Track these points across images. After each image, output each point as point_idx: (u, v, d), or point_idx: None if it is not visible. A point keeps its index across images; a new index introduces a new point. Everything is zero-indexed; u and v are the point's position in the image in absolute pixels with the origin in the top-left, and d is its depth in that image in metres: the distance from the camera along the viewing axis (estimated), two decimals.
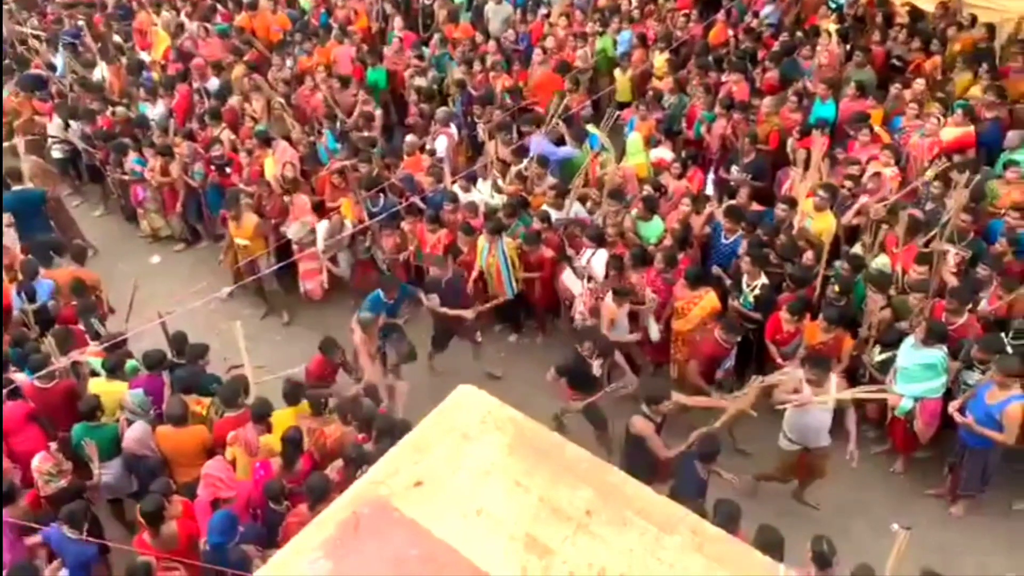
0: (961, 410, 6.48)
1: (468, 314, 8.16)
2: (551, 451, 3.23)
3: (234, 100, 11.22)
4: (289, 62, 12.25)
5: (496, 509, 2.94)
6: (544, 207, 8.69)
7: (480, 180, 9.44)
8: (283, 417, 6.64)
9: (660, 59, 11.26)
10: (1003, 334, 6.64)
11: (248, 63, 12.24)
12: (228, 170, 9.96)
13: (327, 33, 12.90)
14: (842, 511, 6.91)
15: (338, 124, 10.82)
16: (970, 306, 6.91)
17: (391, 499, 2.96)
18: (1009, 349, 6.48)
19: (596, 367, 7.04)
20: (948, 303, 6.82)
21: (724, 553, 2.88)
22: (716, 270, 7.98)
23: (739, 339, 7.18)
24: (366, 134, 10.54)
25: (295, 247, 8.97)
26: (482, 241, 8.38)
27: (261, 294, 9.68)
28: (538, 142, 9.64)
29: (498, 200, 9.08)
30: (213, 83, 11.70)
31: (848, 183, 8.33)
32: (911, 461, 7.27)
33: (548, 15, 13.08)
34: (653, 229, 8.38)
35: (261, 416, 6.47)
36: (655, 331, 7.76)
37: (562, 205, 8.76)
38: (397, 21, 13.04)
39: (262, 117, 10.99)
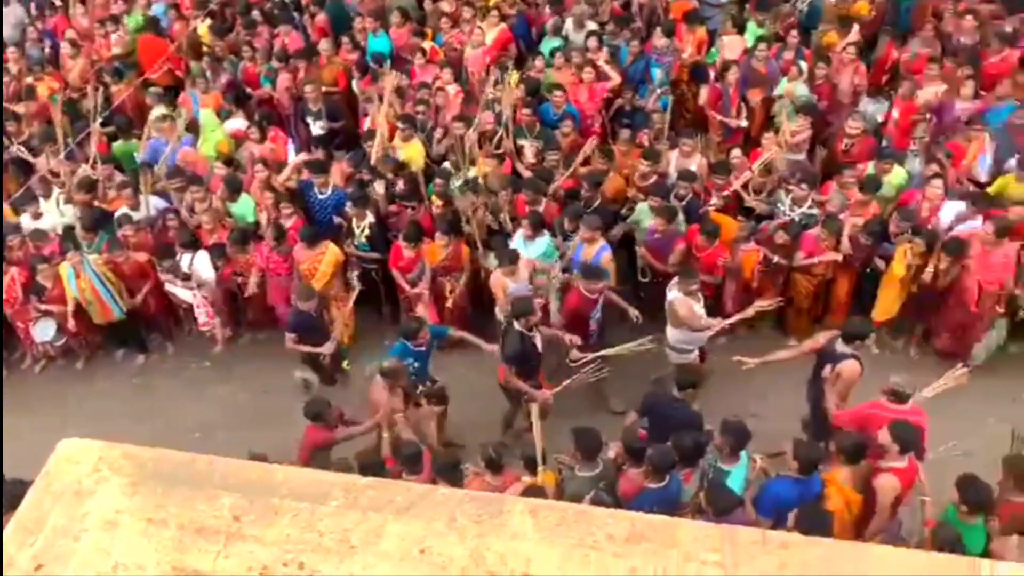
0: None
1: (326, 348, 7.10)
2: (180, 472, 3.00)
3: None
4: None
5: (133, 558, 2.68)
6: (123, 209, 7.95)
7: (41, 200, 8.32)
8: None
9: (203, 27, 10.67)
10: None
11: None
12: None
13: None
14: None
15: None
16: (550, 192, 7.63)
17: None
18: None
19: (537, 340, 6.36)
20: (525, 195, 7.49)
21: (378, 499, 2.91)
22: (337, 219, 7.92)
23: (602, 286, 6.66)
24: None
25: None
26: (64, 268, 7.47)
27: None
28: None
29: (69, 215, 8.12)
30: None
31: (420, 107, 8.67)
32: None
33: (65, 6, 11.71)
34: (244, 207, 8.05)
35: None
36: (555, 310, 7.10)
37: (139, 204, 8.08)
38: None
39: None
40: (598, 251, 7.02)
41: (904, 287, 7.20)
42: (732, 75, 8.79)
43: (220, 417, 7.48)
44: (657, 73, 9.18)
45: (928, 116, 8.35)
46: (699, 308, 6.67)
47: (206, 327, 7.76)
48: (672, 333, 6.78)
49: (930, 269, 6.96)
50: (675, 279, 6.76)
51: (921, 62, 9.02)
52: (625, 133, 8.38)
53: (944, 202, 7.38)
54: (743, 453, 5.43)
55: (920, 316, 7.54)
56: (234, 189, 8.00)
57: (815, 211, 7.53)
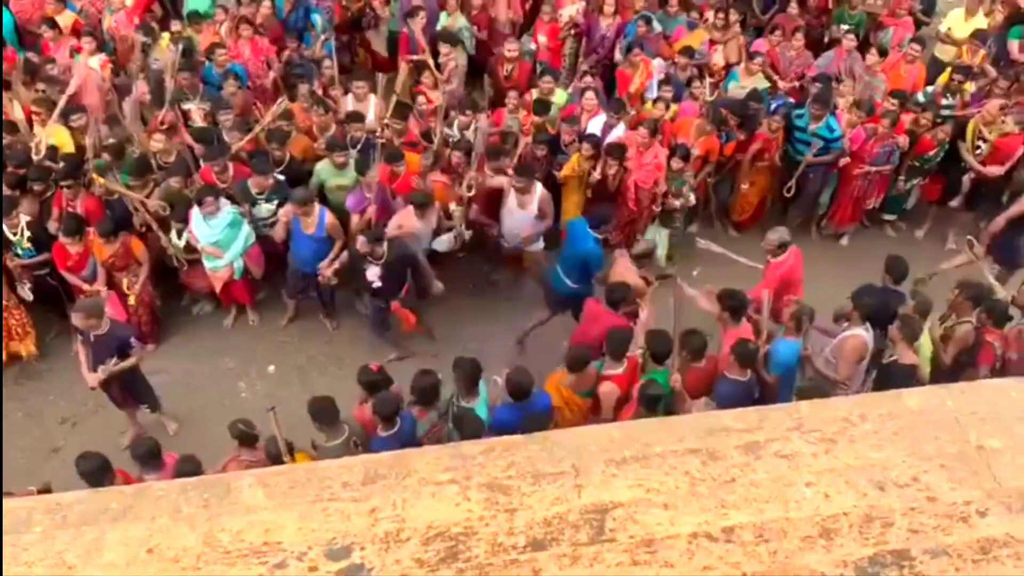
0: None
1: (90, 380, 6.01)
2: None
3: None
4: None
5: None
6: None
7: None
8: None
9: None
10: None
11: None
12: None
13: None
14: None
15: None
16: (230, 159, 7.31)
17: None
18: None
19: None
20: (210, 165, 7.15)
21: (89, 511, 2.72)
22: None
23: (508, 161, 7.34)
24: None
25: None
26: None
27: None
28: None
29: None
30: None
31: (41, 86, 7.91)
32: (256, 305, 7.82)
33: None
34: None
35: None
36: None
37: None
38: None
39: None
40: (319, 215, 6.88)
41: (581, 192, 7.79)
42: (419, 20, 8.76)
43: None
44: (318, 19, 8.98)
45: (573, 32, 8.98)
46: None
47: None
48: (504, 221, 7.44)
49: (596, 174, 7.57)
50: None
51: None
52: (303, 88, 8.11)
53: (599, 111, 8.06)
54: (480, 385, 5.57)
55: None
56: None
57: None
